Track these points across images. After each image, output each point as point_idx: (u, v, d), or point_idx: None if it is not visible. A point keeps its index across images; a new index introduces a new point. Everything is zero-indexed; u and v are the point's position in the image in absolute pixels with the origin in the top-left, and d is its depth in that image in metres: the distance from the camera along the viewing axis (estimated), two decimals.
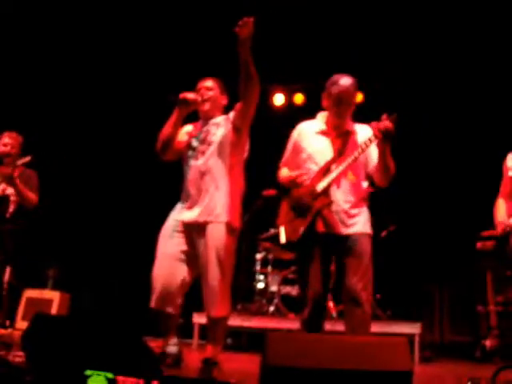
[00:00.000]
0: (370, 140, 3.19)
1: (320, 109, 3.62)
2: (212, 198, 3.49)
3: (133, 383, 2.11)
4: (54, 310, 6.04)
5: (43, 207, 6.66)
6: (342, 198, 3.30)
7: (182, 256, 3.50)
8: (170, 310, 3.47)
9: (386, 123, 3.13)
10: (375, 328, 5.35)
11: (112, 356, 2.30)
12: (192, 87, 3.70)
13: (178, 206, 3.64)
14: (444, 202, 6.77)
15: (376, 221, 6.45)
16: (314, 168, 3.32)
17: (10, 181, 4.51)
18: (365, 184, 3.47)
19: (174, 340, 3.57)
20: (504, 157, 3.89)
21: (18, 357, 3.02)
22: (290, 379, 2.20)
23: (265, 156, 6.60)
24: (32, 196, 4.71)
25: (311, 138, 3.43)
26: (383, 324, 5.59)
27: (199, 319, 5.74)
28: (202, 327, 5.82)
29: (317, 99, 7.86)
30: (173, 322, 3.55)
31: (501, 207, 3.79)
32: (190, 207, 3.53)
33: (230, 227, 3.48)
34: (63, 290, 6.43)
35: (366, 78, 7.39)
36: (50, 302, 6.18)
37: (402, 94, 6.99)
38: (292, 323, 5.68)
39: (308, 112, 7.84)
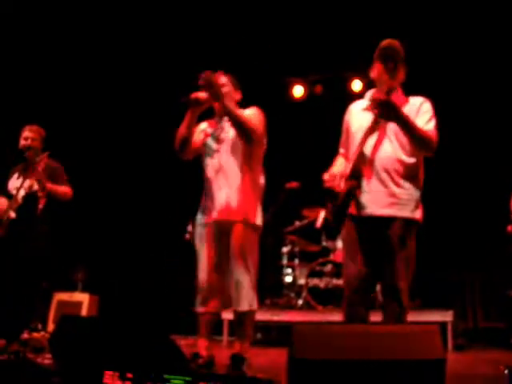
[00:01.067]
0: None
1: (340, 97, 3.55)
2: (228, 197, 3.48)
3: None
4: (83, 312, 6.09)
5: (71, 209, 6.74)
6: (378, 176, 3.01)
7: (218, 256, 3.51)
8: (214, 310, 3.51)
9: (376, 96, 3.03)
10: (411, 317, 5.31)
11: (138, 356, 2.28)
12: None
13: (202, 205, 3.64)
14: (473, 187, 6.64)
15: None
16: (354, 148, 3.12)
17: (36, 177, 4.28)
18: (411, 159, 3.04)
19: (207, 343, 3.55)
20: None
21: (46, 359, 3.04)
22: (318, 372, 2.16)
23: (287, 148, 6.59)
24: (62, 189, 4.51)
25: (356, 116, 3.23)
26: (414, 313, 5.50)
27: (228, 315, 5.72)
28: (232, 323, 5.81)
29: (335, 89, 7.81)
30: (212, 324, 3.58)
31: None
32: (210, 206, 3.54)
33: (248, 224, 3.47)
34: (92, 292, 6.49)
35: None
36: (79, 304, 6.23)
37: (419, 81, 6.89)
38: (321, 316, 5.65)
39: (327, 102, 7.79)
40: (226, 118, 3.60)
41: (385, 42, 3.12)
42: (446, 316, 5.27)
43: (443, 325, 5.14)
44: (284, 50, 7.00)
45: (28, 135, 4.59)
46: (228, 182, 3.50)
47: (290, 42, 6.89)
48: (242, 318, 3.46)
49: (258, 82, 7.26)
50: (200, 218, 3.61)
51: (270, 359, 4.44)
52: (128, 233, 7.30)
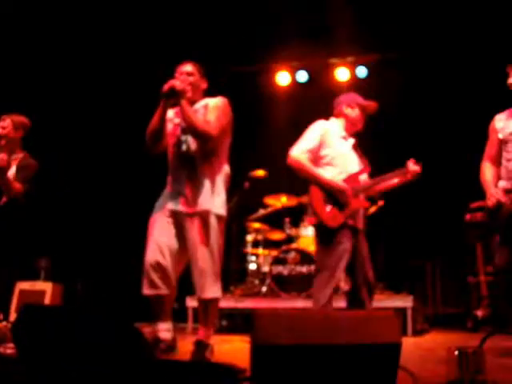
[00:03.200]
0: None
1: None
2: (192, 186, 3.49)
3: None
4: (47, 301, 6.04)
5: (33, 198, 6.66)
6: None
7: (173, 241, 3.51)
8: (163, 292, 3.47)
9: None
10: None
11: (102, 344, 2.30)
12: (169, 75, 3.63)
13: (165, 193, 3.63)
14: (432, 175, 6.79)
15: (366, 197, 6.54)
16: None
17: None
18: None
19: (167, 325, 3.56)
20: (488, 121, 3.87)
21: (9, 349, 3.03)
22: (280, 357, 2.22)
23: (251, 136, 6.60)
24: (16, 186, 4.50)
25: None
26: (375, 299, 5.63)
27: (193, 303, 5.76)
28: (196, 311, 5.85)
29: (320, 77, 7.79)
30: (166, 306, 3.56)
31: (487, 172, 3.76)
32: (175, 196, 3.53)
33: (214, 213, 3.48)
34: (55, 281, 6.44)
35: (367, 53, 7.45)
36: (42, 293, 6.18)
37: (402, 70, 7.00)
38: (284, 302, 5.73)
39: (312, 90, 7.80)
40: (193, 108, 3.56)
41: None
42: (406, 302, 5.40)
43: (403, 310, 5.28)
44: (267, 37, 7.00)
45: (3, 124, 4.56)
46: (193, 172, 3.49)
47: (274, 28, 6.89)
48: (207, 306, 3.49)
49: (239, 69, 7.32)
50: (162, 203, 3.58)
51: (234, 346, 4.50)
52: (91, 220, 7.26)
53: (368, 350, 2.22)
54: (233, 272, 6.55)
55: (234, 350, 4.24)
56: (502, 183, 3.64)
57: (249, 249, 6.59)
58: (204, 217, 3.45)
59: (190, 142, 3.52)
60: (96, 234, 7.20)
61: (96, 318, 2.49)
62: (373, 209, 6.44)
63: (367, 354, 2.23)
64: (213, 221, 3.47)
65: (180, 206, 3.49)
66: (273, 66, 7.91)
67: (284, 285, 5.86)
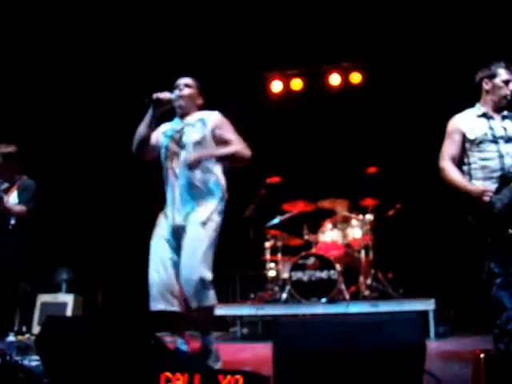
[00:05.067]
0: None
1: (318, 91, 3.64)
2: (187, 202, 3.49)
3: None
4: (68, 313, 6.09)
5: (52, 213, 6.73)
6: None
7: (174, 256, 3.50)
8: (172, 308, 3.44)
9: None
10: (388, 307, 5.41)
11: (124, 354, 2.32)
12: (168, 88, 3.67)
13: (165, 209, 3.63)
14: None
15: (383, 200, 6.52)
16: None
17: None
18: None
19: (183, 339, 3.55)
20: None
21: (33, 361, 3.05)
22: (303, 363, 2.21)
23: (267, 143, 6.62)
24: (16, 209, 4.69)
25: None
26: (396, 302, 5.60)
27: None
28: (216, 319, 5.85)
29: (315, 84, 7.84)
30: (181, 319, 3.53)
31: (456, 172, 3.63)
32: (172, 210, 3.54)
33: (206, 224, 3.44)
34: (77, 293, 6.49)
35: (365, 60, 7.43)
36: (64, 305, 6.24)
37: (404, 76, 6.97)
38: (305, 309, 5.71)
39: (306, 97, 7.83)
40: (186, 121, 3.61)
41: None
42: (428, 305, 5.35)
43: (425, 313, 5.24)
44: (261, 45, 7.02)
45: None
46: (188, 186, 3.49)
47: (267, 36, 6.92)
48: (208, 313, 3.44)
49: (237, 78, 7.31)
50: (162, 220, 3.60)
51: (255, 353, 4.49)
52: (111, 233, 7.30)
53: (391, 353, 2.21)
54: (252, 279, 6.54)
55: (255, 357, 4.23)
56: (480, 183, 3.53)
57: (267, 256, 6.58)
58: (194, 229, 3.44)
59: (182, 157, 3.52)
60: (116, 246, 7.24)
61: (119, 327, 2.51)
62: (391, 212, 6.43)
63: (390, 358, 2.22)
64: (208, 230, 3.46)
65: (176, 222, 3.50)
66: (267, 75, 7.92)
67: (304, 291, 5.84)
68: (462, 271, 6.72)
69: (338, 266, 5.93)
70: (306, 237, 6.51)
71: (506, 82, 3.62)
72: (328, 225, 6.41)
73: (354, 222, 6.36)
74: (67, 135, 7.28)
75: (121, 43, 6.92)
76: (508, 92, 3.60)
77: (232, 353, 4.61)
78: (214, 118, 3.61)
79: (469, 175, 3.61)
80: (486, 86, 3.67)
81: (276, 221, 6.52)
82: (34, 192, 4.88)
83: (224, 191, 3.62)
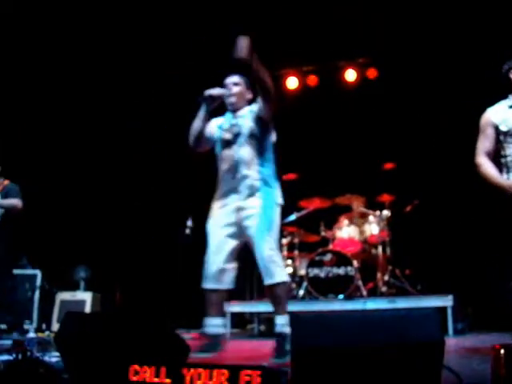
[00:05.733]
0: None
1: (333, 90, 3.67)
2: (247, 184, 3.68)
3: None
4: (87, 310, 6.15)
5: (70, 212, 6.79)
6: None
7: (233, 239, 3.72)
8: (223, 286, 3.70)
9: None
10: (406, 303, 5.38)
11: (141, 347, 2.33)
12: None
13: (218, 193, 3.82)
14: (467, 174, 6.68)
15: (400, 196, 6.49)
16: None
17: None
18: None
19: (218, 321, 3.77)
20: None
21: (53, 357, 3.08)
22: (320, 359, 2.21)
23: (283, 140, 6.59)
24: (8, 202, 5.12)
25: None
26: (414, 299, 5.58)
27: (230, 308, 5.79)
28: (233, 316, 5.88)
29: (330, 80, 7.81)
30: (221, 301, 3.78)
31: (491, 167, 3.61)
32: (229, 194, 3.73)
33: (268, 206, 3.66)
34: (94, 290, 6.55)
35: (379, 56, 7.39)
36: (82, 302, 6.30)
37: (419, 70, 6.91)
38: (322, 305, 5.70)
39: (322, 94, 7.81)
40: (238, 114, 3.83)
41: None
42: (446, 301, 5.31)
43: (443, 310, 5.20)
44: (276, 42, 7.01)
45: None
46: (247, 171, 3.68)
47: (282, 33, 6.91)
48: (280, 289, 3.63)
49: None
50: (217, 205, 3.78)
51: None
52: (128, 230, 7.35)
53: (408, 349, 2.20)
54: None
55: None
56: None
57: (284, 252, 6.58)
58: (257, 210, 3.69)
59: (238, 145, 3.74)
60: (134, 243, 7.29)
61: (136, 322, 2.52)
62: (409, 207, 6.39)
63: (408, 354, 2.21)
64: (267, 211, 3.70)
65: (235, 203, 3.70)
66: (282, 72, 7.88)
67: (321, 287, 5.84)
68: (480, 267, 6.67)
69: (355, 263, 5.92)
70: (323, 233, 6.50)
71: None
72: (345, 221, 6.40)
73: (370, 218, 6.34)
74: (87, 130, 7.34)
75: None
76: None
77: (250, 349, 4.63)
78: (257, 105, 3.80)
79: (506, 167, 3.60)
80: None
81: (292, 217, 6.52)
82: (19, 194, 5.27)
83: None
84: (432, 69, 6.87)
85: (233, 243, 3.72)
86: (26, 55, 6.78)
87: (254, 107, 3.80)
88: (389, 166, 6.43)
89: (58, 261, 6.66)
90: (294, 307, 5.75)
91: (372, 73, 7.51)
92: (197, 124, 3.79)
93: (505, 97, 3.72)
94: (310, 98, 7.67)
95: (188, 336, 5.53)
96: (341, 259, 5.89)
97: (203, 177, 4.61)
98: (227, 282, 3.72)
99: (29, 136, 6.90)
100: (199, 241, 6.59)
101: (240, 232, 3.71)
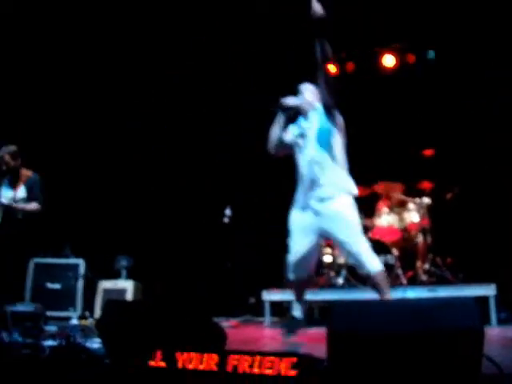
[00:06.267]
0: None
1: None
2: (325, 181, 3.90)
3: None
4: (128, 299, 6.27)
5: (113, 202, 6.92)
6: None
7: (313, 236, 3.97)
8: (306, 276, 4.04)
9: None
10: (447, 292, 5.30)
11: (179, 334, 2.37)
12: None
13: (299, 191, 4.03)
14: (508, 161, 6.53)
15: (440, 184, 6.38)
16: None
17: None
18: None
19: (299, 305, 4.15)
20: None
21: (96, 343, 3.16)
22: (357, 345, 2.21)
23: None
24: (30, 207, 5.28)
25: None
26: (455, 288, 5.50)
27: (269, 297, 5.82)
28: (273, 304, 5.90)
29: (367, 66, 7.68)
30: (302, 289, 4.15)
31: None
32: (309, 191, 3.93)
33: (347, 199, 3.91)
34: (136, 279, 6.67)
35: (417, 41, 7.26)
36: (124, 291, 6.42)
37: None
38: (361, 294, 5.67)
39: (359, 80, 7.70)
40: (309, 119, 4.01)
41: None
42: (489, 290, 5.21)
43: (486, 299, 5.11)
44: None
45: (9, 161, 5.30)
46: (323, 170, 3.91)
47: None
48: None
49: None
50: (301, 199, 4.00)
51: (311, 337, 4.49)
52: (168, 220, 7.44)
53: (445, 337, 2.18)
54: None
55: (311, 341, 4.24)
56: None
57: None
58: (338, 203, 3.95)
59: (312, 147, 3.96)
60: (174, 232, 7.38)
61: (174, 310, 2.57)
62: (449, 195, 6.29)
63: (448, 342, 2.19)
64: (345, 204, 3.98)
65: (315, 199, 3.92)
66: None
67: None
68: None
69: (394, 251, 5.86)
70: (362, 221, 6.44)
71: None
72: (384, 209, 6.34)
73: (410, 205, 6.26)
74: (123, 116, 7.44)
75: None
76: None
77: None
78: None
79: None
80: None
81: None
82: (41, 185, 5.43)
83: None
84: (471, 51, 6.72)
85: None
86: (28, 56, 6.89)
87: (320, 106, 4.00)
88: (428, 152, 6.34)
89: (100, 250, 6.79)
90: (332, 296, 5.75)
91: (411, 58, 7.38)
92: (275, 132, 4.05)
93: None
94: (347, 85, 7.59)
95: (227, 324, 5.60)
96: (380, 247, 5.84)
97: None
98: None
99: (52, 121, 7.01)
100: (237, 230, 6.73)
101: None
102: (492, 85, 6.52)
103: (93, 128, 7.35)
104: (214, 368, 2.10)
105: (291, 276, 4.06)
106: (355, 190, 3.96)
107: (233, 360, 2.06)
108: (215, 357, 2.23)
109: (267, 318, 5.82)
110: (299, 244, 3.96)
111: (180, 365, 2.10)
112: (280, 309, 6.18)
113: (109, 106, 7.34)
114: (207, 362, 2.12)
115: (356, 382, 2.23)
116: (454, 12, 6.53)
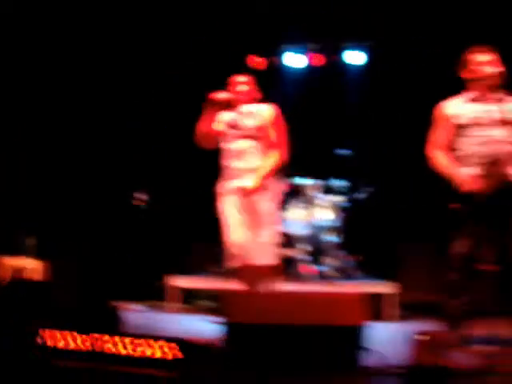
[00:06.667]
0: None
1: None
2: (250, 171, 4.03)
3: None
4: (32, 277, 6.07)
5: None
6: None
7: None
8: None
9: None
10: (351, 289, 5.44)
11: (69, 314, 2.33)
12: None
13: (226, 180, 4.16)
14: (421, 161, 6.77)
15: (354, 183, 6.54)
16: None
17: None
18: None
19: None
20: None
21: None
22: (250, 335, 2.24)
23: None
24: None
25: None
26: (358, 284, 5.65)
27: (175, 282, 5.79)
28: (178, 290, 5.86)
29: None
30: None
31: (443, 159, 3.67)
32: (235, 179, 4.09)
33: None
34: (41, 257, 6.46)
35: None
36: (26, 269, 6.21)
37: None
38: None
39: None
40: (243, 110, 4.11)
41: None
42: (391, 288, 5.40)
43: (383, 296, 5.31)
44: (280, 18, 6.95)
45: None
46: (249, 163, 4.05)
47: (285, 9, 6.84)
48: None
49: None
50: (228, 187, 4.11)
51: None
52: (74, 199, 7.24)
53: (331, 331, 2.25)
54: None
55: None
56: (467, 170, 3.60)
57: None
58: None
59: (243, 140, 4.09)
60: (80, 211, 7.20)
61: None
62: (362, 194, 6.46)
63: (330, 335, 2.26)
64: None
65: (240, 187, 4.04)
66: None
67: None
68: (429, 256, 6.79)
69: (302, 245, 5.96)
70: (276, 213, 6.50)
71: (483, 65, 3.63)
72: (296, 203, 6.38)
73: (322, 202, 6.35)
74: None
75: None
76: (487, 75, 3.61)
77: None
78: (267, 114, 4.14)
79: (459, 161, 3.67)
80: (470, 72, 3.69)
81: None
82: None
83: None
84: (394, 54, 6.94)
85: None
86: (28, 55, 6.70)
87: (263, 112, 4.12)
88: (344, 152, 6.48)
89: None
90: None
91: (322, 59, 7.49)
92: (202, 126, 4.08)
93: (459, 93, 3.79)
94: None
95: (130, 307, 5.54)
96: (289, 240, 5.93)
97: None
98: None
99: None
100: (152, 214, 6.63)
101: None
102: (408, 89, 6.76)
103: None
104: (89, 348, 2.07)
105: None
106: (278, 183, 4.13)
107: (105, 341, 2.04)
108: (91, 337, 2.19)
109: (171, 304, 5.78)
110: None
111: (51, 343, 2.06)
112: (188, 295, 6.16)
113: None
114: (83, 342, 2.08)
115: (246, 368, 2.26)
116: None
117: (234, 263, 3.89)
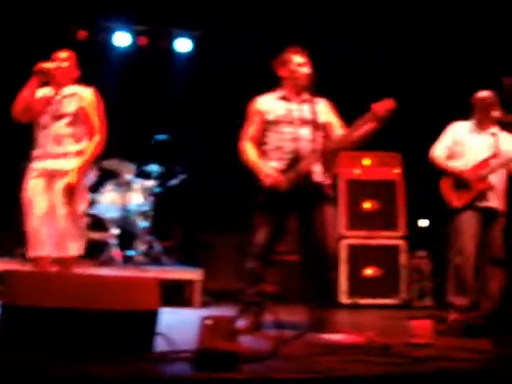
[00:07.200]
0: None
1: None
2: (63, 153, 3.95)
3: None
4: None
5: None
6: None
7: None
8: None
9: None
10: (157, 274, 5.46)
11: None
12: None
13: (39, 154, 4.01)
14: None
15: (169, 169, 6.55)
16: None
17: None
18: None
19: None
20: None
21: None
22: (32, 319, 2.15)
23: None
24: None
25: None
26: (165, 270, 5.68)
27: None
28: None
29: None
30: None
31: (252, 152, 3.88)
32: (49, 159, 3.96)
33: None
34: None
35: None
36: None
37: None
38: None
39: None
40: (63, 93, 4.03)
41: None
42: (195, 275, 5.51)
43: (188, 282, 5.42)
44: None
45: None
46: (67, 147, 3.97)
47: None
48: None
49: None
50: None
51: None
52: None
53: (126, 315, 2.24)
54: None
55: None
56: (274, 163, 3.83)
57: None
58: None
59: (61, 123, 3.98)
60: None
61: None
62: (175, 180, 6.50)
63: (125, 320, 2.25)
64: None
65: (52, 167, 3.93)
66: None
67: None
68: (236, 245, 7.05)
69: (114, 230, 5.86)
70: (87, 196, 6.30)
71: (300, 66, 3.86)
72: (109, 186, 6.25)
73: (136, 186, 6.27)
74: None
75: None
76: (303, 75, 3.83)
77: None
78: (86, 98, 4.03)
79: (266, 155, 3.85)
80: (288, 71, 3.87)
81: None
82: None
83: None
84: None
85: None
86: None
87: (81, 94, 4.02)
88: (161, 137, 6.47)
89: None
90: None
91: (143, 40, 7.48)
92: (25, 96, 3.92)
93: (274, 89, 3.99)
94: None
95: None
96: (99, 225, 5.80)
97: None
98: None
99: None
100: None
101: None
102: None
103: None
104: None
105: None
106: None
107: None
108: None
109: None
110: None
111: None
112: None
113: None
114: None
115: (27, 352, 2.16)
116: None
117: (34, 253, 3.80)
